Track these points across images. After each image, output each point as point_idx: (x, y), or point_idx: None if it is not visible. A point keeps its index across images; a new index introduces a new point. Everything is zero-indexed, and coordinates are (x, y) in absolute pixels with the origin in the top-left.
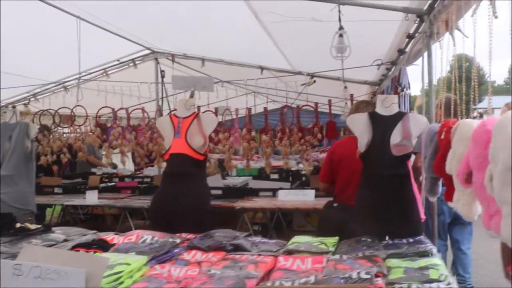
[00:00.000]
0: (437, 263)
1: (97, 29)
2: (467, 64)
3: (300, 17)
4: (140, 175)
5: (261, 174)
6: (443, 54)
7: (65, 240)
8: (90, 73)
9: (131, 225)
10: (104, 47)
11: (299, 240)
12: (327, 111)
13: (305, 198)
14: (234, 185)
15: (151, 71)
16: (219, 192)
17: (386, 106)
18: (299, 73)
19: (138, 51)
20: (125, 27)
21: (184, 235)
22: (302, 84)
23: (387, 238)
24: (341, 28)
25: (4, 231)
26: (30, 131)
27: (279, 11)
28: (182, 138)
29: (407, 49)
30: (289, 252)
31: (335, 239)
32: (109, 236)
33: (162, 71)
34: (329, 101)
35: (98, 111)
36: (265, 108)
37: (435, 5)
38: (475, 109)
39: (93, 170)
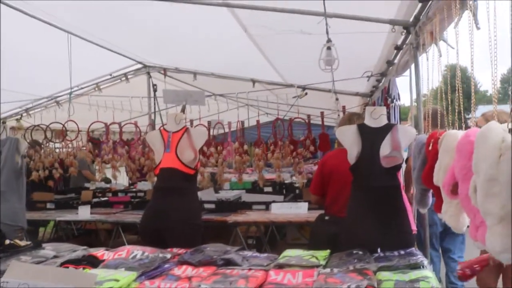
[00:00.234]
0: (428, 276)
1: (89, 44)
2: (458, 74)
3: (289, 30)
4: (134, 189)
5: (254, 187)
6: (429, 65)
7: (55, 257)
8: (82, 88)
9: (124, 240)
10: (96, 62)
11: (290, 254)
12: (320, 123)
13: (298, 211)
14: (227, 199)
15: (144, 85)
16: (212, 206)
17: (375, 117)
18: (291, 85)
19: (130, 65)
20: (117, 42)
21: (174, 250)
22: (294, 97)
23: (378, 250)
24: (329, 40)
25: None
26: (20, 146)
27: (267, 25)
28: (173, 153)
29: (396, 61)
30: (280, 266)
31: (326, 252)
32: (99, 252)
33: (154, 85)
34: (322, 113)
35: (89, 126)
36: (257, 121)
37: (420, 17)
38: (468, 118)
39: (87, 185)
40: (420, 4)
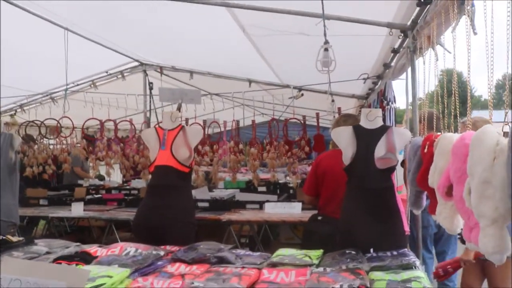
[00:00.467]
0: (420, 276)
1: (86, 40)
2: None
3: (287, 31)
4: (127, 187)
5: (248, 187)
6: (425, 68)
7: (48, 253)
8: (78, 85)
9: (117, 238)
10: (92, 59)
11: (283, 253)
12: (315, 124)
13: (292, 210)
14: (221, 198)
15: (140, 83)
16: (206, 204)
17: (370, 119)
18: (287, 86)
19: (127, 63)
20: (113, 39)
21: (168, 247)
22: (290, 97)
23: (371, 250)
24: (326, 42)
25: None
26: (14, 142)
27: (265, 25)
28: (168, 150)
29: (392, 64)
30: (273, 265)
31: (319, 252)
32: (92, 249)
33: (150, 83)
34: (317, 114)
35: (84, 123)
36: (253, 121)
37: (418, 21)
38: (463, 122)
39: (80, 182)
40: (418, 8)
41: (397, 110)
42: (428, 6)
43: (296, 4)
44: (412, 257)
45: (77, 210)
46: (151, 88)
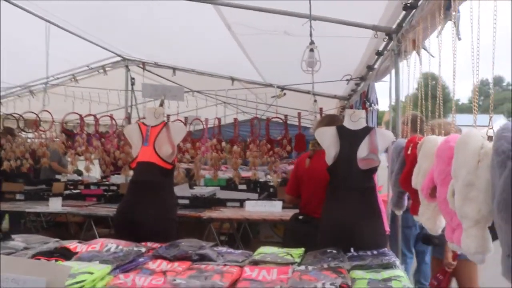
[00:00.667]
0: (400, 275)
1: (67, 33)
2: (434, 82)
3: (273, 31)
4: (106, 183)
5: (229, 185)
6: (410, 72)
7: (25, 248)
8: (58, 78)
9: (95, 234)
10: (73, 52)
11: (265, 251)
12: (296, 123)
13: (273, 209)
14: (201, 195)
15: (121, 78)
16: (186, 201)
17: (354, 120)
18: (270, 85)
19: (109, 58)
20: (95, 33)
21: (149, 244)
22: (273, 97)
23: (352, 250)
24: (312, 42)
25: None
26: None
27: (251, 24)
28: (150, 147)
29: (376, 66)
30: (255, 263)
31: (301, 250)
32: (72, 244)
33: (132, 78)
34: (299, 113)
35: (64, 117)
36: (235, 119)
37: (403, 24)
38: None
39: (58, 176)
40: (403, 12)
41: (378, 112)
42: (414, 10)
43: (283, 4)
44: (392, 257)
45: (55, 205)
46: (133, 84)
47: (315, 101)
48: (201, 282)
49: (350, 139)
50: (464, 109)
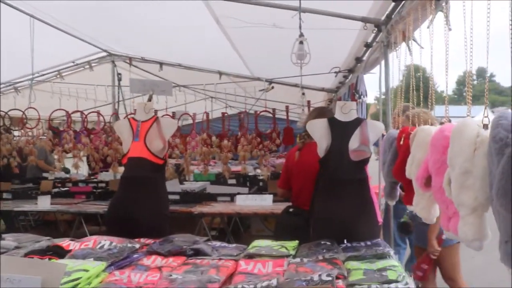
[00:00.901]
0: (395, 264)
1: (52, 29)
2: (419, 74)
3: (261, 24)
4: (95, 180)
5: (219, 179)
6: (400, 63)
7: (17, 247)
8: (43, 75)
9: (85, 231)
10: (58, 48)
11: (260, 244)
12: (284, 117)
13: (263, 203)
14: (192, 190)
15: (108, 74)
16: (177, 197)
17: (345, 112)
18: (258, 79)
19: (95, 53)
20: (81, 28)
21: (142, 240)
22: (261, 90)
23: (345, 241)
24: (301, 35)
25: None
26: None
27: (240, 17)
28: (141, 142)
29: (365, 58)
30: (250, 256)
31: (295, 243)
32: (64, 242)
33: (119, 74)
34: (287, 107)
35: (51, 114)
36: (223, 113)
37: (393, 16)
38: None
39: (45, 175)
40: (392, 4)
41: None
42: (403, 2)
43: None
44: (385, 247)
45: (43, 203)
46: (119, 79)
47: (303, 94)
48: (198, 277)
49: (341, 131)
50: (449, 100)
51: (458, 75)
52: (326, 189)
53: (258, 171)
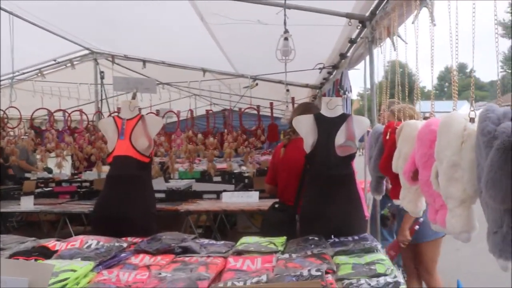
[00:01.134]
0: (383, 258)
1: (32, 26)
2: (401, 70)
3: (246, 20)
4: (78, 179)
5: (204, 177)
6: (385, 58)
7: (1, 249)
8: (24, 73)
9: (71, 232)
10: (39, 46)
11: (248, 241)
12: (268, 114)
13: (250, 200)
14: (177, 188)
15: (90, 72)
16: (163, 195)
17: (331, 108)
18: (242, 76)
19: (76, 51)
20: (62, 26)
21: (130, 239)
22: (245, 87)
23: (332, 236)
24: (286, 31)
25: None
26: None
27: (225, 14)
28: (127, 140)
29: (349, 54)
30: (239, 253)
31: (283, 239)
32: (50, 243)
33: (101, 72)
34: (271, 104)
35: (33, 113)
36: (207, 110)
37: (377, 12)
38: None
39: (27, 175)
40: (377, 0)
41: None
42: None
43: None
44: (373, 241)
45: (26, 204)
46: (102, 77)
47: (288, 90)
48: (187, 275)
49: (327, 127)
50: (429, 95)
51: (440, 70)
52: (313, 184)
53: (244, 168)
